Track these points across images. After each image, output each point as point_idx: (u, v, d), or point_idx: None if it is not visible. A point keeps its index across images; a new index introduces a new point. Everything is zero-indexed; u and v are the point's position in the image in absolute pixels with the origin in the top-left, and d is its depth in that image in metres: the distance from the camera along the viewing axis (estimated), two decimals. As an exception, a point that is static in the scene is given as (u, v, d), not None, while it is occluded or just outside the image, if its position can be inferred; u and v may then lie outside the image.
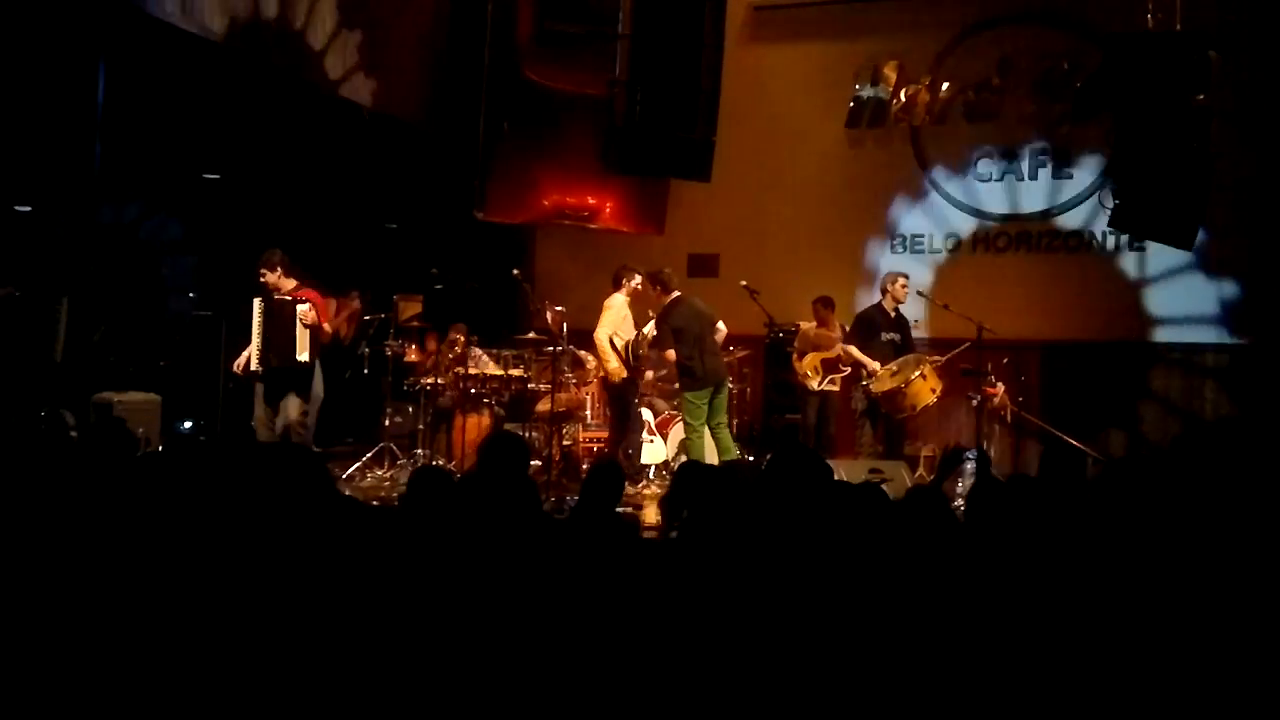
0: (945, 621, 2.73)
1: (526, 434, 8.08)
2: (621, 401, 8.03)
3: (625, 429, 8.08)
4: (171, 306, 9.16)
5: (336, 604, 2.80)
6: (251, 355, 7.33)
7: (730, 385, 9.22)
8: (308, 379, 7.39)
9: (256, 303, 7.32)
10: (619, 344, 7.98)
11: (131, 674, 2.64)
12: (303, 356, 7.27)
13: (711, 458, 7.93)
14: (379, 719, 2.58)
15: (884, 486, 6.34)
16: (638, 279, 8.15)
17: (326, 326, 7.55)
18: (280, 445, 6.87)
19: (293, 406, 7.33)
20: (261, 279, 7.34)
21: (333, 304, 8.77)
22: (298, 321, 7.25)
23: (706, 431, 7.78)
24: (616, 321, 8.00)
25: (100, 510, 3.50)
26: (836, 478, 6.38)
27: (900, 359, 7.93)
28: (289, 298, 7.33)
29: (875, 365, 7.91)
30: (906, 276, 8.28)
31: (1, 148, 7.70)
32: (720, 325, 8.12)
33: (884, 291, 8.24)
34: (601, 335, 7.99)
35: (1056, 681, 2.58)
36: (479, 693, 2.58)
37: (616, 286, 8.16)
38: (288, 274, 7.42)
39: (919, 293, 8.39)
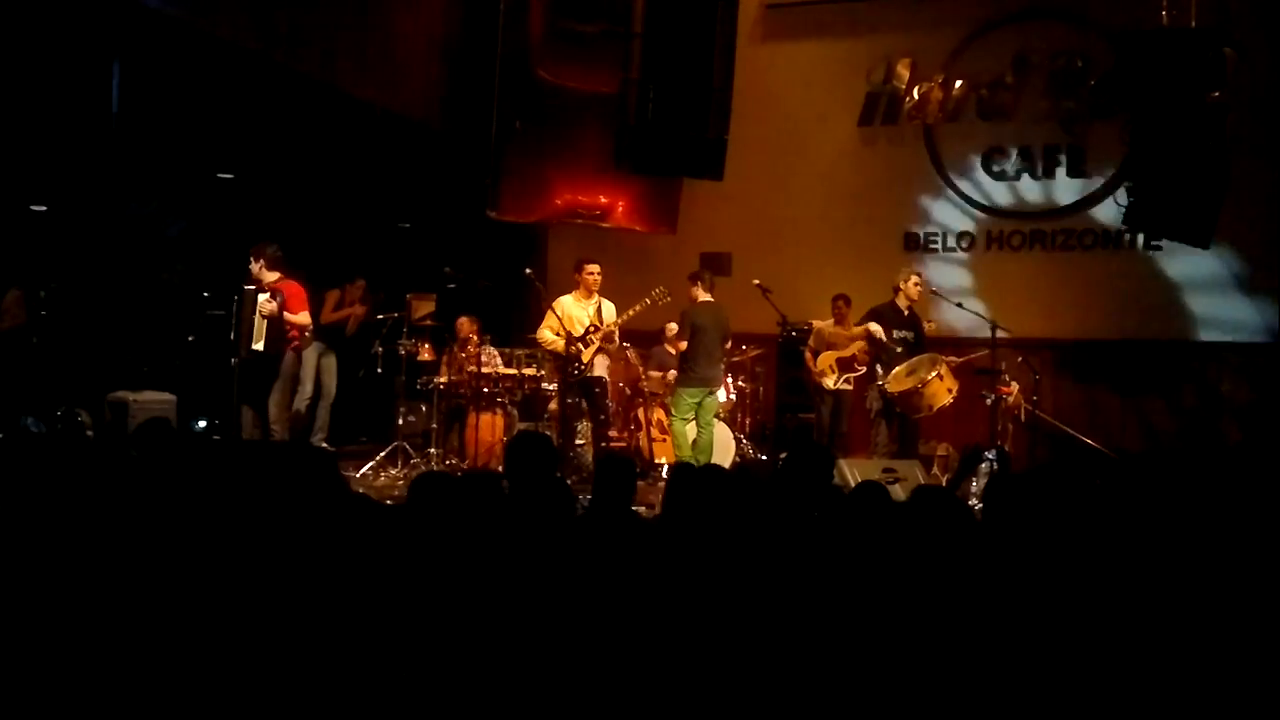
0: (960, 619, 2.72)
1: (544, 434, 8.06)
2: (570, 393, 7.91)
3: (567, 424, 8.00)
4: (185, 305, 9.19)
5: (352, 603, 2.80)
6: (245, 347, 7.46)
7: (742, 384, 9.24)
8: (274, 372, 7.57)
9: (241, 293, 7.47)
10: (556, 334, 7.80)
11: (144, 673, 2.64)
12: (257, 346, 7.40)
13: (720, 451, 7.95)
14: (398, 717, 2.58)
15: (898, 486, 6.39)
16: (587, 270, 7.90)
17: (299, 318, 7.60)
18: (293, 445, 6.94)
19: (274, 404, 7.48)
20: (248, 265, 7.47)
21: (334, 296, 8.83)
22: (256, 311, 7.37)
23: (689, 423, 7.85)
24: (555, 318, 7.78)
25: (114, 508, 3.51)
26: (850, 477, 6.44)
27: (915, 359, 7.89)
28: (254, 288, 7.45)
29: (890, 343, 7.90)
30: (920, 274, 8.24)
31: (17, 148, 7.74)
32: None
33: (897, 289, 8.21)
34: (538, 334, 7.89)
35: (1069, 678, 2.57)
36: (496, 691, 2.58)
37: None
38: (272, 267, 7.53)
39: (933, 291, 8.36)
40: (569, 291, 8.05)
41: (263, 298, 7.36)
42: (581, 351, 7.72)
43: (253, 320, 7.36)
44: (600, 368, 7.95)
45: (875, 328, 8.01)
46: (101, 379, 7.75)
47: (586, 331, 7.76)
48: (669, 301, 7.83)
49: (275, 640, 2.69)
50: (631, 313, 7.81)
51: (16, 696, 2.58)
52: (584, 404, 7.97)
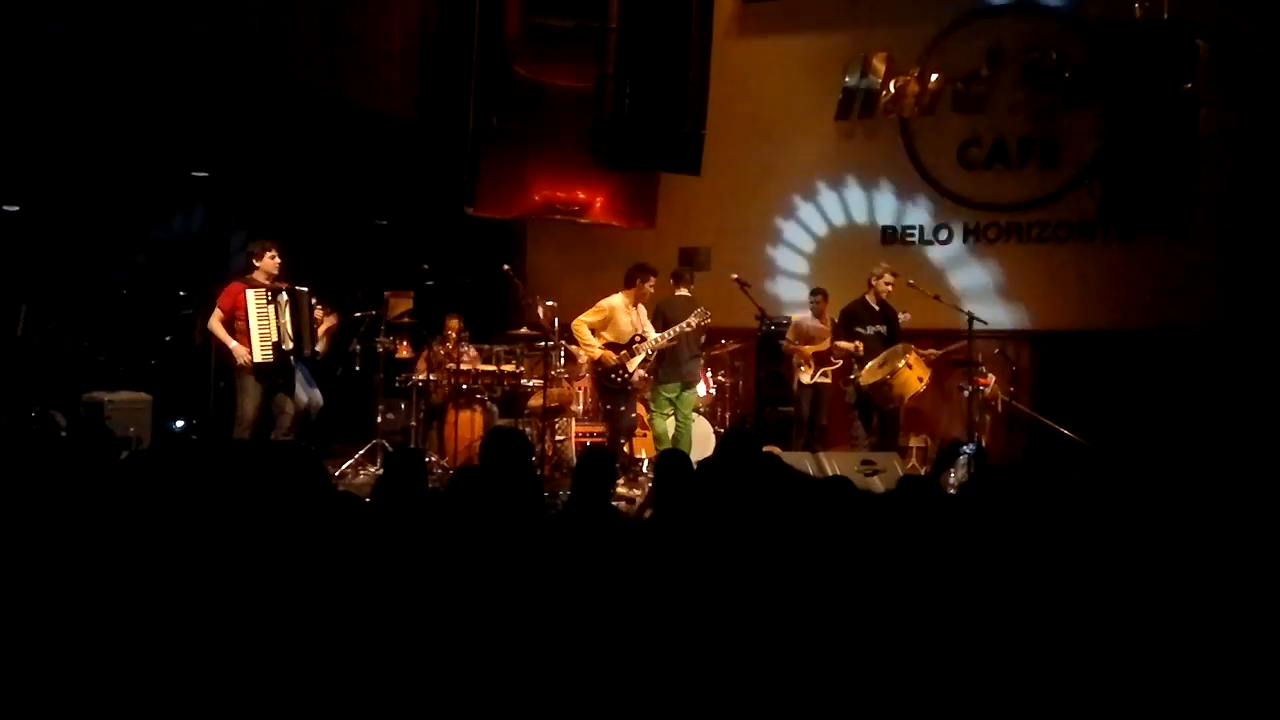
0: (938, 610, 2.73)
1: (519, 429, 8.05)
2: (614, 399, 7.93)
3: (618, 425, 8.01)
4: (161, 305, 9.12)
5: (335, 601, 2.80)
6: (266, 345, 7.13)
7: (722, 378, 9.26)
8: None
9: (282, 294, 7.22)
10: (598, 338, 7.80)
11: (129, 674, 2.63)
12: (319, 347, 7.63)
13: (699, 444, 7.96)
14: (381, 713, 2.58)
15: (876, 478, 6.42)
16: (651, 283, 7.86)
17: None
18: (280, 444, 6.88)
19: (290, 402, 7.38)
20: (272, 261, 7.25)
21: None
22: (314, 311, 7.43)
23: (669, 419, 7.85)
24: (601, 318, 7.78)
25: (94, 510, 3.49)
26: (829, 470, 6.47)
27: (887, 351, 7.94)
28: (305, 289, 7.38)
29: (859, 349, 7.95)
30: (894, 272, 8.26)
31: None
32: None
33: (869, 285, 8.27)
34: (577, 323, 7.81)
35: (1041, 669, 2.59)
36: (477, 687, 2.58)
37: (627, 285, 7.93)
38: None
39: (909, 284, 8.40)
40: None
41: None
42: (629, 360, 7.73)
43: (314, 320, 7.38)
44: (639, 373, 7.97)
45: (844, 344, 8.12)
46: (76, 379, 7.68)
47: (632, 340, 7.76)
48: (709, 323, 7.78)
49: (258, 640, 2.68)
50: (674, 332, 7.67)
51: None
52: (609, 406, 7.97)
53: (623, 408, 7.90)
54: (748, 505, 3.32)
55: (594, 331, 7.77)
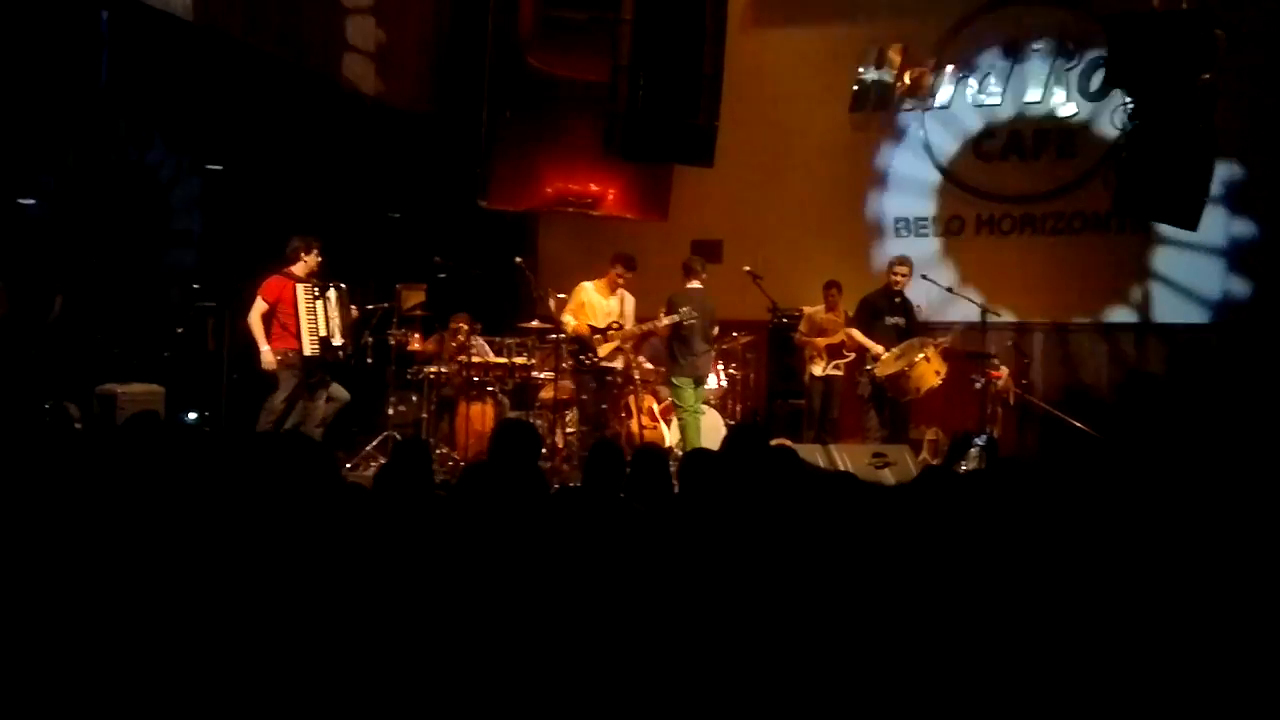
0: (945, 603, 2.72)
1: (531, 422, 8.06)
2: (582, 381, 7.95)
3: (584, 410, 8.05)
4: (174, 297, 9.15)
5: (343, 593, 2.80)
6: (314, 339, 7.23)
7: (733, 371, 9.24)
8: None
9: (330, 290, 7.35)
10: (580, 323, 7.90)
11: (135, 668, 2.64)
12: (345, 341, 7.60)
13: (709, 436, 7.95)
14: (388, 704, 2.58)
15: (887, 470, 6.40)
16: (618, 270, 7.95)
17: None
18: (289, 435, 6.91)
19: (323, 397, 7.44)
20: (315, 259, 7.33)
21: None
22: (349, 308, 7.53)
23: (698, 415, 7.86)
24: (576, 303, 7.93)
25: (106, 501, 3.50)
26: (839, 463, 6.45)
27: (904, 343, 7.91)
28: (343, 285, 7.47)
29: (879, 349, 7.91)
30: (907, 265, 8.21)
31: (4, 140, 7.70)
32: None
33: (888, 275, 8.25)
34: (565, 319, 7.98)
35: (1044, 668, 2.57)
36: (485, 681, 2.58)
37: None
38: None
39: (923, 276, 8.36)
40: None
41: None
42: (600, 344, 7.78)
43: (350, 317, 7.44)
44: (617, 361, 7.97)
45: (855, 333, 8.11)
46: (89, 371, 7.71)
47: (609, 326, 7.79)
48: (694, 322, 7.79)
49: (269, 633, 2.69)
50: (658, 323, 7.74)
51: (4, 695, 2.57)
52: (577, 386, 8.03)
53: (585, 396, 7.94)
54: (757, 500, 3.32)
55: (574, 317, 7.93)
